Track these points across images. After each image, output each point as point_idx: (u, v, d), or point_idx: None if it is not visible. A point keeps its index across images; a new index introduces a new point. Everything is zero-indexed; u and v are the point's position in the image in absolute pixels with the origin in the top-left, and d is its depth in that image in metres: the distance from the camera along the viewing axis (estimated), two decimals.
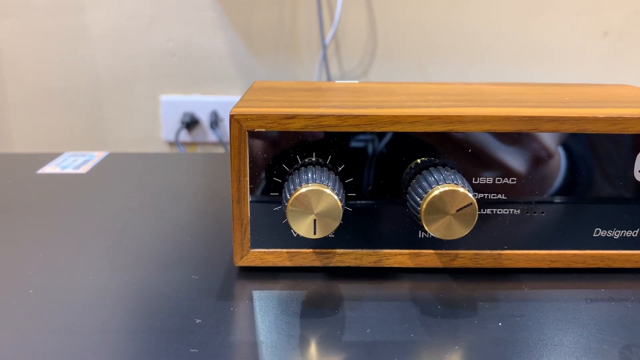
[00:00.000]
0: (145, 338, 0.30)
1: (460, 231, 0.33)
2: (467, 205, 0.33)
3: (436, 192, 0.32)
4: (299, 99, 0.40)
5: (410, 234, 0.37)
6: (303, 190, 0.32)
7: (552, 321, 0.32)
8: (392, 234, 0.37)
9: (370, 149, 0.35)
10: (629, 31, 0.85)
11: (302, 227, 0.33)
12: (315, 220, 0.33)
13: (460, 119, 0.35)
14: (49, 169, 0.61)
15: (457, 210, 0.33)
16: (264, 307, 0.33)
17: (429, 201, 0.32)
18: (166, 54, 1.06)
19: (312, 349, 0.29)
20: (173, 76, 1.08)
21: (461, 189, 0.32)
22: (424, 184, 0.34)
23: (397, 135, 0.35)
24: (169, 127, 1.10)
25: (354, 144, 0.35)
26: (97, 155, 0.66)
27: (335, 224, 0.33)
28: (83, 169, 0.61)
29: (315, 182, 0.33)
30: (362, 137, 0.35)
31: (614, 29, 0.85)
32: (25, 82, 1.07)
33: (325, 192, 0.32)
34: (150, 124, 1.12)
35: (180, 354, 0.28)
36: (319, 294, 0.35)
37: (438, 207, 0.32)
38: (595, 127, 0.35)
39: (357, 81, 0.50)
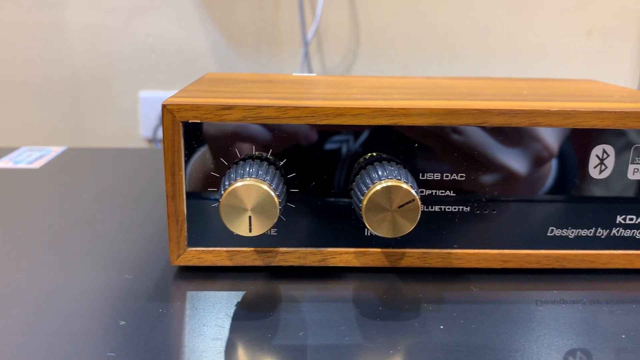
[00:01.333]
0: (62, 341, 0.28)
1: (402, 229, 0.31)
2: (409, 202, 0.31)
3: (377, 188, 0.31)
4: (243, 90, 0.38)
5: (356, 232, 0.35)
6: (238, 185, 0.31)
7: (498, 324, 0.30)
8: (338, 231, 0.35)
9: (314, 142, 0.34)
10: (613, 30, 0.85)
11: (237, 224, 0.31)
12: (250, 217, 0.31)
13: (406, 112, 0.33)
14: (1, 163, 0.59)
15: (399, 207, 0.31)
16: (195, 309, 0.31)
17: (370, 197, 0.31)
18: (145, 50, 1.04)
19: (235, 353, 0.27)
20: (152, 72, 1.06)
21: (403, 185, 0.31)
22: (367, 180, 0.32)
23: (343, 128, 0.33)
24: (148, 124, 1.08)
25: (297, 136, 0.34)
26: (54, 150, 0.64)
27: (272, 221, 0.31)
28: (37, 164, 0.59)
29: (252, 177, 0.31)
30: (306, 130, 0.33)
31: (598, 28, 0.85)
32: (1, 77, 1.05)
33: (261, 187, 0.30)
34: (129, 120, 1.10)
35: (97, 358, 0.26)
36: (257, 295, 0.33)
37: (379, 204, 0.31)
38: (547, 121, 0.33)
39: (315, 74, 0.49)
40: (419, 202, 0.31)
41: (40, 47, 1.04)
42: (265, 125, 0.33)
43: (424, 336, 0.29)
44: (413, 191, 0.31)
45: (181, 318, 0.30)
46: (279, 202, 0.31)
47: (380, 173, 0.32)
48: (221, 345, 0.28)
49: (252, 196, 0.30)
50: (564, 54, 0.85)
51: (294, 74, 0.48)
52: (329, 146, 0.34)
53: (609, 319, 0.31)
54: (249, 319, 0.30)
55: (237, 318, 0.30)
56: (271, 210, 0.31)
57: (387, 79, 0.47)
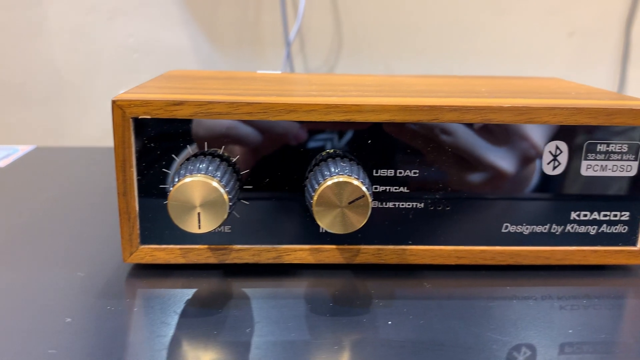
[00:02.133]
0: (3, 338, 0.27)
1: (352, 225, 0.31)
2: (359, 198, 0.31)
3: (327, 184, 0.31)
4: (199, 86, 0.38)
5: (311, 229, 0.35)
6: (186, 181, 0.30)
7: (447, 320, 0.30)
8: (293, 229, 0.35)
9: (268, 138, 0.33)
10: (594, 32, 0.85)
11: (185, 221, 0.31)
12: (199, 214, 0.31)
13: (359, 109, 0.33)
14: None
15: (349, 203, 0.31)
16: (144, 306, 0.31)
17: (320, 193, 0.31)
18: (127, 50, 1.03)
19: (178, 350, 0.27)
20: (134, 72, 1.05)
21: (353, 181, 0.31)
22: (319, 176, 0.32)
23: (298, 124, 0.33)
24: None
25: (251, 132, 0.33)
26: (22, 149, 0.64)
27: (221, 218, 0.31)
28: (2, 163, 0.58)
29: (200, 173, 0.31)
30: (259, 125, 0.33)
31: (580, 30, 0.85)
32: None
33: (209, 183, 0.30)
34: (111, 120, 1.09)
35: (37, 355, 0.26)
36: (209, 292, 0.33)
37: (329, 199, 0.31)
38: (499, 117, 0.33)
39: (279, 71, 0.49)
40: (369, 198, 0.31)
41: (21, 47, 1.03)
42: (218, 122, 0.33)
43: (370, 332, 0.29)
44: (363, 187, 0.31)
45: (128, 315, 0.30)
46: (229, 198, 0.31)
47: (332, 169, 0.32)
48: (164, 342, 0.27)
49: (200, 193, 0.30)
50: (546, 55, 0.86)
51: (258, 72, 0.48)
52: (284, 143, 0.34)
53: (559, 314, 0.31)
54: (196, 316, 0.30)
55: (185, 315, 0.30)
56: (220, 207, 0.31)
57: (349, 77, 0.47)
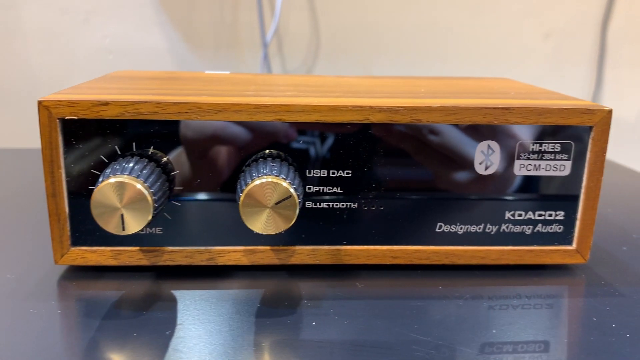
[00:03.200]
0: None
1: (279, 225, 0.31)
2: (286, 198, 0.31)
3: (255, 184, 0.30)
4: (135, 86, 0.38)
5: (245, 230, 0.35)
6: (110, 181, 0.30)
7: (370, 320, 0.30)
8: (226, 230, 0.35)
9: (199, 139, 0.33)
10: (571, 33, 0.86)
11: (109, 223, 0.30)
12: (122, 215, 0.30)
13: (288, 109, 0.33)
14: None
15: (276, 204, 0.31)
16: (68, 309, 0.31)
17: (247, 193, 0.31)
18: (103, 51, 1.02)
19: (94, 352, 0.27)
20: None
21: (280, 182, 0.30)
22: (247, 176, 0.32)
23: (231, 125, 0.33)
24: None
25: (180, 133, 0.33)
26: None
27: (145, 219, 0.30)
28: None
29: (125, 174, 0.30)
30: (191, 126, 0.33)
31: (556, 31, 0.86)
32: None
33: (131, 184, 0.30)
34: None
35: None
36: (137, 295, 0.32)
37: (256, 200, 0.30)
38: (429, 118, 0.33)
39: (228, 72, 0.48)
40: (297, 199, 0.31)
41: None
42: (147, 121, 0.32)
43: (292, 333, 0.29)
44: (291, 188, 0.31)
45: (50, 317, 0.30)
46: (154, 200, 0.31)
47: (261, 170, 0.32)
48: (82, 344, 0.27)
49: (123, 194, 0.30)
50: (523, 56, 0.86)
51: (205, 72, 0.48)
52: (216, 143, 0.33)
53: (486, 314, 0.31)
54: (119, 319, 0.30)
55: (107, 317, 0.30)
56: (144, 209, 0.30)
57: (298, 77, 0.46)
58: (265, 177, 0.31)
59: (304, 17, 0.89)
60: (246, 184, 0.31)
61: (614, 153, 0.89)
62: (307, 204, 0.35)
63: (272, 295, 0.33)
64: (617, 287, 0.35)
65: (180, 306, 0.31)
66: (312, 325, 0.29)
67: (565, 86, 0.86)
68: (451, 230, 0.36)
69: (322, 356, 0.27)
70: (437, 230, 0.36)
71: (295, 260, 0.35)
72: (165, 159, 0.33)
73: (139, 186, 0.30)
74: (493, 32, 0.84)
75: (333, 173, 0.34)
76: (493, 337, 0.29)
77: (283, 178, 0.31)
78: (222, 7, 0.93)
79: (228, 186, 0.34)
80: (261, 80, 0.43)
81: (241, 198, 0.31)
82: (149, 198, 0.30)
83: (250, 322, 0.30)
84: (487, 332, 0.29)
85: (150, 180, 0.31)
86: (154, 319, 0.30)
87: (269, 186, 0.30)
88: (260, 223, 0.31)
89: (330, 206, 0.35)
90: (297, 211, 0.31)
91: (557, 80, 0.88)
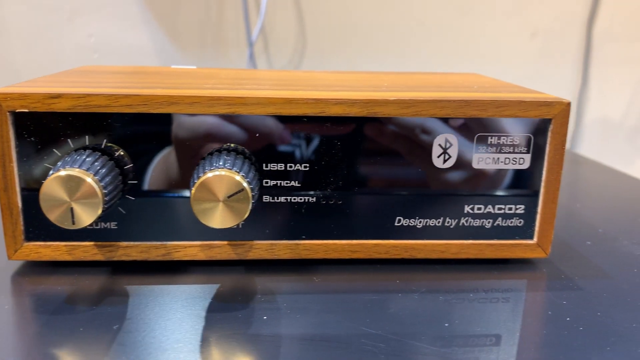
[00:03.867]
0: None
1: (232, 219, 0.31)
2: (239, 192, 0.30)
3: (206, 177, 0.30)
4: (93, 80, 0.37)
5: (201, 224, 0.34)
6: (61, 174, 0.30)
7: (323, 314, 0.30)
8: (182, 224, 0.34)
9: (153, 132, 0.33)
10: (556, 32, 0.86)
11: (58, 216, 0.30)
12: (72, 209, 0.30)
13: (243, 101, 0.32)
14: None
15: (229, 197, 0.30)
16: (17, 304, 0.30)
17: (198, 186, 0.30)
18: (88, 50, 1.01)
19: (39, 347, 0.26)
20: None
21: (232, 175, 0.30)
22: (200, 170, 0.31)
23: (188, 117, 0.33)
24: None
25: (134, 126, 0.33)
26: None
27: (95, 213, 0.30)
28: None
29: (75, 167, 0.30)
30: (145, 119, 0.33)
31: (542, 30, 0.86)
32: None
33: (80, 177, 0.29)
34: None
35: None
36: (89, 290, 0.32)
37: (208, 193, 0.30)
38: (385, 111, 0.33)
39: (194, 66, 0.48)
40: (249, 193, 0.30)
41: None
42: (101, 114, 0.32)
43: (241, 328, 0.28)
44: (244, 181, 0.30)
45: None
46: (104, 193, 0.30)
47: (214, 163, 0.31)
48: (26, 339, 0.27)
49: (72, 187, 0.29)
50: (510, 55, 0.86)
51: (172, 66, 0.47)
52: (171, 136, 0.33)
53: (440, 307, 0.31)
54: (68, 314, 0.29)
55: (57, 313, 0.29)
56: (94, 203, 0.30)
57: (266, 72, 0.46)
58: (217, 170, 0.30)
59: (289, 15, 0.88)
60: (198, 177, 0.30)
61: (599, 150, 0.89)
62: (264, 198, 0.34)
63: (226, 290, 0.32)
64: (576, 281, 0.34)
65: (132, 301, 0.31)
66: (263, 320, 0.29)
67: (551, 85, 0.86)
68: (410, 224, 0.35)
69: (267, 350, 0.26)
70: (396, 224, 0.35)
71: (253, 255, 0.35)
72: (119, 153, 0.33)
73: (89, 180, 0.30)
74: (479, 30, 0.84)
75: (290, 167, 0.34)
76: (444, 331, 0.29)
77: (236, 171, 0.31)
78: (208, 6, 0.93)
79: (184, 180, 0.34)
80: (225, 75, 0.43)
81: (192, 191, 0.30)
82: (99, 192, 0.30)
83: (200, 317, 0.29)
84: (439, 325, 0.29)
85: (101, 173, 0.30)
86: (104, 313, 0.29)
87: (221, 179, 0.30)
88: (212, 216, 0.31)
89: (289, 200, 0.35)
90: (251, 205, 0.31)
91: (543, 78, 0.88)
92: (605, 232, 0.43)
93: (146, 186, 0.33)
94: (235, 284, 0.33)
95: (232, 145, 0.34)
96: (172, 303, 0.31)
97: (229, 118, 0.33)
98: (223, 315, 0.29)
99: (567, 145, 0.84)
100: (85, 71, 0.43)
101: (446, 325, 0.29)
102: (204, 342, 0.27)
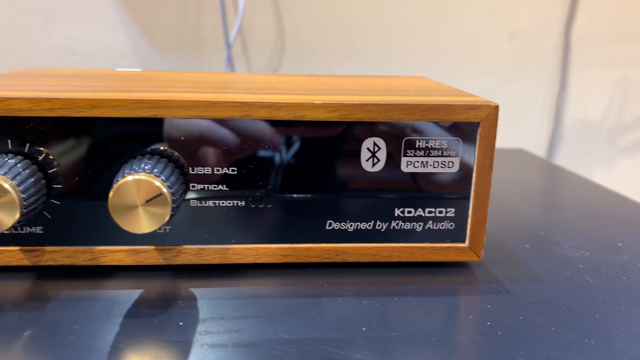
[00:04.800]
0: None
1: (151, 224, 0.30)
2: (157, 196, 0.30)
3: (125, 180, 0.30)
4: (24, 83, 0.37)
5: None
6: None
7: (240, 319, 0.30)
8: (109, 229, 0.34)
9: (78, 135, 0.33)
10: (535, 33, 0.86)
11: None
12: None
13: (166, 104, 0.32)
14: None
15: (147, 202, 0.30)
16: None
17: (115, 190, 0.30)
18: (65, 52, 1.01)
19: None
20: None
21: (151, 179, 0.30)
22: (120, 174, 0.31)
23: (111, 121, 0.32)
24: None
25: (59, 130, 0.33)
26: None
27: (12, 218, 0.30)
28: None
29: None
30: (70, 122, 0.32)
31: (520, 32, 0.86)
32: None
33: None
34: None
35: None
36: (11, 295, 0.32)
37: (125, 197, 0.30)
38: (312, 114, 0.33)
39: (140, 69, 0.48)
40: (169, 197, 0.30)
41: None
42: (22, 118, 0.32)
43: (153, 334, 0.28)
44: (163, 186, 0.30)
45: None
46: (23, 197, 0.30)
47: (134, 167, 0.31)
48: None
49: None
50: (489, 57, 0.86)
51: (117, 69, 0.47)
52: (96, 141, 0.33)
53: (360, 311, 0.31)
54: None
55: None
56: (11, 207, 0.29)
57: (210, 75, 0.46)
58: (137, 174, 0.30)
59: (268, 17, 0.88)
60: (116, 181, 0.30)
61: (578, 153, 0.89)
62: (192, 203, 0.34)
63: (149, 295, 0.32)
64: (505, 285, 0.34)
65: (50, 307, 0.30)
66: (179, 326, 0.29)
67: (529, 88, 0.86)
68: (341, 227, 0.35)
69: (176, 356, 0.26)
70: (327, 227, 0.35)
71: (182, 260, 0.35)
72: (43, 157, 0.33)
73: (6, 185, 0.29)
74: (458, 32, 0.84)
75: (218, 171, 0.34)
76: (360, 334, 0.28)
77: (156, 175, 0.30)
78: (186, 8, 0.92)
79: (110, 184, 0.33)
80: (167, 77, 0.42)
81: (110, 195, 0.30)
82: (16, 196, 0.29)
83: (116, 323, 0.29)
84: (356, 329, 0.29)
85: (21, 178, 0.30)
86: (18, 319, 0.29)
87: (139, 183, 0.30)
88: (131, 221, 0.30)
89: (217, 204, 0.34)
90: (170, 210, 0.30)
91: (522, 81, 0.88)
92: (547, 236, 0.43)
93: (72, 190, 0.33)
94: (159, 290, 0.33)
95: (157, 148, 0.33)
96: (92, 308, 0.30)
97: (155, 121, 0.32)
98: (139, 320, 0.29)
99: (545, 148, 0.84)
100: (21, 74, 0.42)
101: (363, 329, 0.29)
102: (113, 349, 0.27)
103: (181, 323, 0.29)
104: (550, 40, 0.86)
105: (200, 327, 0.29)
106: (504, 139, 0.83)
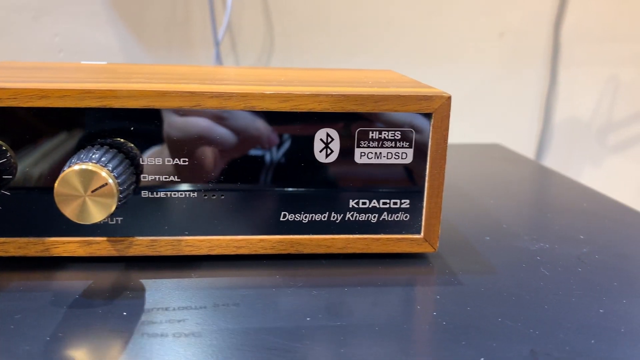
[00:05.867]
0: None
1: (97, 214, 0.30)
2: (102, 186, 0.30)
3: (71, 170, 0.30)
4: None
5: None
6: None
7: (184, 310, 0.29)
8: (61, 220, 0.34)
9: (28, 125, 0.32)
10: (525, 32, 0.86)
11: None
12: None
13: (114, 94, 0.32)
14: None
15: (92, 192, 0.30)
16: None
17: (60, 180, 0.30)
18: (53, 49, 1.00)
19: None
20: None
21: (96, 169, 0.30)
22: (68, 164, 0.31)
23: (64, 112, 0.32)
24: None
25: (9, 119, 0.32)
26: None
27: None
28: None
29: None
30: (19, 112, 0.32)
31: (510, 29, 0.86)
32: None
33: None
34: None
35: None
36: None
37: (70, 187, 0.30)
38: (262, 104, 0.33)
39: (105, 62, 0.47)
40: (115, 188, 0.30)
41: None
42: None
43: (95, 323, 0.28)
44: (109, 177, 0.30)
45: None
46: None
47: (82, 157, 0.31)
48: None
49: None
50: (478, 54, 0.86)
51: (82, 62, 0.47)
52: (47, 131, 0.33)
53: (307, 301, 0.31)
54: None
55: None
56: None
57: (176, 67, 0.46)
58: (83, 164, 0.30)
59: (256, 14, 0.88)
60: (63, 171, 0.30)
61: (568, 150, 0.89)
62: (142, 194, 0.34)
63: (97, 287, 0.32)
64: (458, 276, 0.34)
65: (4, 296, 0.30)
66: (122, 316, 0.29)
67: (519, 86, 0.86)
68: (296, 219, 0.35)
69: (114, 345, 0.26)
70: (281, 219, 0.35)
71: (134, 251, 0.35)
72: None
73: None
74: (447, 30, 0.84)
75: (169, 161, 0.34)
76: (304, 324, 0.28)
77: (101, 165, 0.30)
78: (174, 4, 0.92)
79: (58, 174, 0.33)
80: (124, 69, 0.42)
81: (55, 185, 0.30)
82: None
83: (59, 313, 0.29)
84: (301, 319, 0.29)
85: None
86: None
87: (84, 173, 0.30)
88: (76, 211, 0.30)
89: (169, 196, 0.34)
90: (117, 200, 0.30)
91: (511, 78, 0.88)
92: (509, 228, 0.43)
93: (23, 181, 0.33)
94: (108, 281, 0.32)
95: (108, 139, 0.33)
96: (39, 299, 0.30)
97: (106, 111, 0.32)
98: (84, 311, 0.29)
99: (535, 145, 0.84)
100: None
101: (308, 319, 0.29)
102: (52, 337, 0.26)
103: (125, 313, 0.29)
104: (540, 38, 0.86)
105: (143, 317, 0.29)
106: (493, 137, 0.83)
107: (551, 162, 0.89)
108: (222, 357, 0.25)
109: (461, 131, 0.85)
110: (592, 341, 0.28)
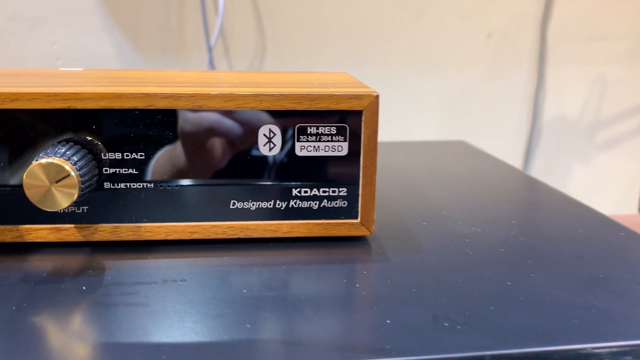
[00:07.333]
0: None
1: (62, 202, 0.34)
2: (65, 177, 0.34)
3: (37, 163, 0.34)
4: None
5: None
6: None
7: (136, 284, 0.33)
8: (33, 209, 0.38)
9: (3, 125, 0.37)
10: (512, 33, 0.88)
11: None
12: None
13: (77, 96, 0.36)
14: None
15: (57, 182, 0.34)
16: None
17: (28, 172, 0.34)
18: (51, 57, 1.04)
19: None
20: None
21: (60, 162, 0.34)
22: (35, 159, 0.35)
23: (35, 113, 0.36)
24: None
25: None
26: None
27: None
28: None
29: None
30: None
31: (497, 31, 0.88)
32: None
33: None
34: None
35: None
36: None
37: (36, 178, 0.34)
38: (209, 104, 0.37)
39: (82, 68, 0.52)
40: (76, 179, 0.34)
41: None
42: None
43: (57, 296, 0.32)
44: (72, 169, 0.34)
45: None
46: None
47: (49, 152, 0.35)
48: None
49: None
50: (466, 56, 0.88)
51: (60, 69, 0.51)
52: (22, 130, 0.37)
53: (248, 277, 0.35)
54: None
55: None
56: None
57: (143, 72, 0.50)
58: (49, 158, 0.34)
59: (248, 19, 0.91)
60: (30, 164, 0.34)
61: (556, 150, 0.91)
62: (105, 185, 0.38)
63: (64, 267, 0.36)
64: (389, 256, 0.38)
65: None
66: (82, 290, 0.33)
67: (507, 86, 0.87)
68: (244, 206, 0.39)
69: (71, 311, 0.30)
70: (231, 207, 0.39)
71: (99, 237, 0.39)
72: None
73: None
74: (435, 32, 0.85)
75: (127, 156, 0.38)
76: (239, 295, 0.32)
77: (64, 159, 0.34)
78: (168, 11, 0.96)
79: None
80: (95, 75, 0.46)
81: (24, 176, 0.34)
82: None
83: (25, 289, 0.33)
84: (238, 292, 0.33)
85: None
86: None
87: (49, 166, 0.34)
88: (44, 199, 0.34)
89: (128, 186, 0.38)
90: (78, 189, 0.34)
91: (499, 79, 0.89)
92: (447, 215, 0.47)
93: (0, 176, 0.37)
94: (74, 263, 0.37)
95: (74, 137, 0.37)
96: (9, 278, 0.34)
97: (72, 112, 0.36)
98: (48, 286, 0.33)
99: (524, 144, 0.86)
100: None
101: (244, 291, 0.33)
102: (17, 308, 0.31)
103: (84, 287, 0.33)
104: (526, 39, 0.87)
105: (100, 291, 0.33)
106: (482, 136, 0.85)
107: (540, 160, 0.90)
108: (163, 321, 0.29)
109: (450, 130, 0.86)
110: (491, 307, 0.32)
